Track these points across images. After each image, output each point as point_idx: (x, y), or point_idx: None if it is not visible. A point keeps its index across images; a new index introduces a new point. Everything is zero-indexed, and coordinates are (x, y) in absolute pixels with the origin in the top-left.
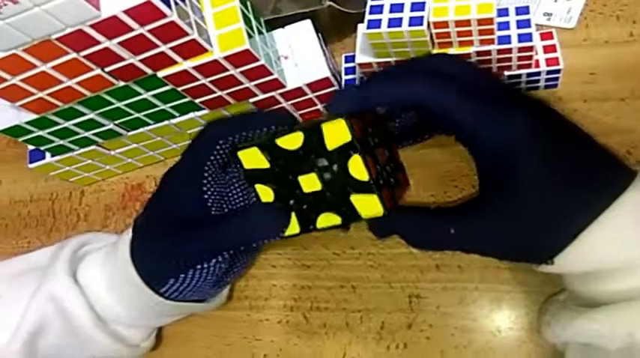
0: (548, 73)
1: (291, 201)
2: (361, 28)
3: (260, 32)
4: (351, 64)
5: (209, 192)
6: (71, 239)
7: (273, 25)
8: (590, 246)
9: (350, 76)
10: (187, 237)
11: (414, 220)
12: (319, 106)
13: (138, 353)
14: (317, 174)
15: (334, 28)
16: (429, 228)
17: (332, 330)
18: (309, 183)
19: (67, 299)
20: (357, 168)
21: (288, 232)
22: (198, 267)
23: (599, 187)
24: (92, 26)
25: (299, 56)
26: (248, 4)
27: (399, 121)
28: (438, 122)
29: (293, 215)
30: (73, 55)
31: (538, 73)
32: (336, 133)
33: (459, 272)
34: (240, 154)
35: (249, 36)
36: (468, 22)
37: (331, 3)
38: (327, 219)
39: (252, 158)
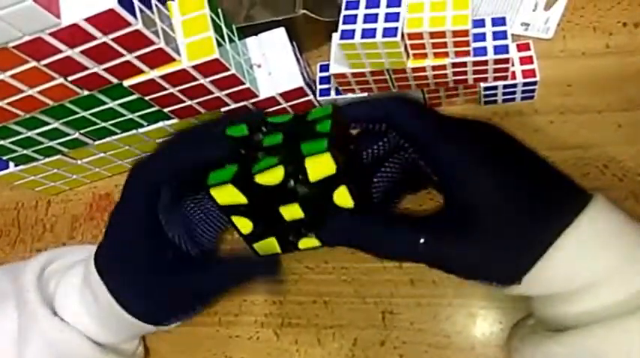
0: (525, 84)
1: (273, 230)
2: (335, 37)
3: (232, 40)
4: (326, 73)
5: (173, 234)
6: (29, 265)
7: (246, 32)
8: (550, 270)
9: (325, 86)
10: (180, 283)
11: (384, 226)
12: None
13: (140, 356)
14: (299, 203)
15: (309, 36)
16: (399, 234)
17: (303, 347)
18: (291, 212)
19: (68, 339)
20: (343, 197)
21: (268, 253)
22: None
23: (555, 212)
24: (52, 34)
25: (273, 65)
26: (219, 11)
27: (380, 174)
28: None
29: (273, 239)
30: (33, 63)
31: (514, 85)
32: (320, 166)
33: (433, 287)
34: (213, 192)
35: (220, 44)
36: (443, 34)
37: (305, 11)
38: (309, 242)
39: (227, 194)
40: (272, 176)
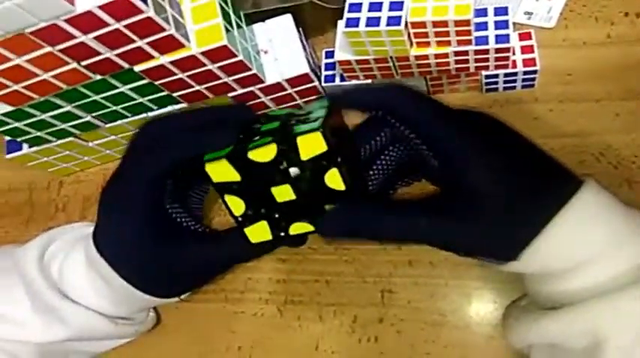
0: (525, 73)
1: (263, 210)
2: (340, 25)
3: (239, 26)
4: (331, 60)
5: (174, 213)
6: (29, 252)
7: (254, 18)
8: (546, 247)
9: (330, 72)
10: (189, 259)
11: (384, 210)
12: (299, 101)
13: (148, 326)
14: (291, 184)
15: (316, 22)
16: (400, 216)
17: (305, 323)
18: (283, 193)
19: (83, 319)
20: (334, 178)
21: (260, 239)
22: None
23: (552, 193)
24: (67, 21)
25: (279, 51)
26: None
27: (376, 167)
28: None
29: (264, 223)
30: (48, 48)
31: (515, 74)
32: (311, 144)
33: (430, 268)
34: (209, 168)
35: (228, 30)
36: (445, 23)
37: None
38: (301, 227)
39: (222, 171)
40: (264, 152)
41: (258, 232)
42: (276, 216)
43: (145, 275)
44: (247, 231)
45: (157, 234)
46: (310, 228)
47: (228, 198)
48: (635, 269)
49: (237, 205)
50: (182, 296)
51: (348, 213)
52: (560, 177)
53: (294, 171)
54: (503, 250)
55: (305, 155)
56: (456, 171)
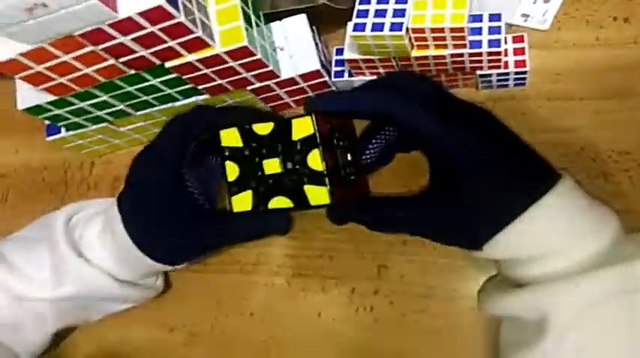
0: (516, 73)
1: (252, 183)
2: (349, 28)
3: (258, 25)
4: (340, 57)
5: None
6: (58, 214)
7: (271, 18)
8: (516, 237)
9: (339, 68)
10: (201, 233)
11: (373, 208)
12: (310, 94)
13: (158, 290)
14: (280, 159)
15: (328, 21)
16: (385, 213)
17: (310, 293)
18: (272, 166)
19: (90, 277)
20: (315, 159)
21: (240, 208)
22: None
23: (526, 188)
24: (110, 25)
25: (294, 48)
26: (248, 0)
27: (373, 146)
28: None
29: (250, 192)
30: (92, 47)
31: (507, 74)
32: (302, 126)
33: (422, 247)
34: (222, 132)
35: (248, 30)
36: (442, 30)
37: (325, 1)
38: (280, 202)
39: (230, 137)
40: (265, 127)
41: (242, 202)
42: (261, 189)
43: (152, 238)
44: (234, 199)
45: (173, 201)
46: (289, 204)
47: (227, 163)
48: (585, 259)
49: (232, 171)
50: (178, 267)
51: (352, 207)
52: (539, 171)
53: (285, 148)
54: (474, 237)
55: (295, 135)
56: (445, 156)
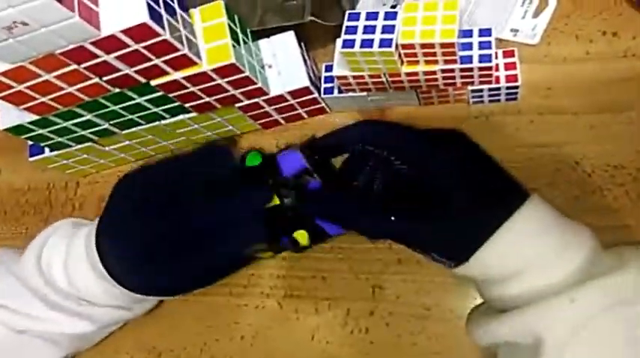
0: (508, 88)
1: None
2: (338, 45)
3: (245, 42)
4: (330, 74)
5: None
6: (27, 263)
7: (259, 34)
8: (488, 255)
9: (329, 84)
10: (186, 260)
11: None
12: (300, 111)
13: (145, 309)
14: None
15: (317, 37)
16: (375, 215)
17: (303, 315)
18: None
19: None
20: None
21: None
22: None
23: (500, 207)
24: (92, 43)
25: (282, 65)
26: (235, 17)
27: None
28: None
29: None
30: (74, 66)
31: (498, 88)
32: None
33: (418, 266)
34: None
35: (235, 48)
36: (432, 45)
37: (313, 17)
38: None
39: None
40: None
41: None
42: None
43: (149, 285)
44: None
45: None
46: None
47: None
48: (568, 276)
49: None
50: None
51: (330, 198)
52: (510, 191)
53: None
54: (456, 252)
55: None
56: (429, 180)
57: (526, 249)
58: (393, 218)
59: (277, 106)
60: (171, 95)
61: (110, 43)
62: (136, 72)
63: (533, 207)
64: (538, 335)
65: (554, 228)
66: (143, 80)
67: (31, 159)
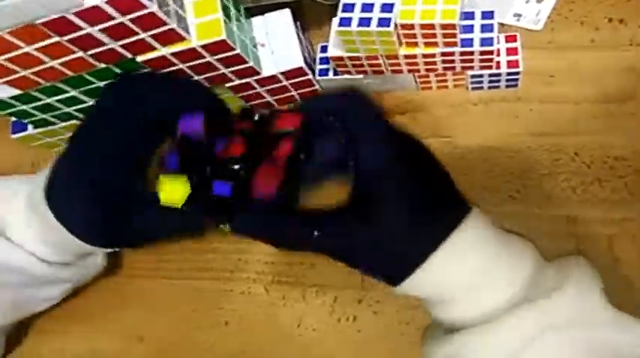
0: (509, 74)
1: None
2: (334, 24)
3: (238, 20)
4: (325, 55)
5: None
6: None
7: (253, 12)
8: (423, 279)
9: (324, 66)
10: (118, 221)
11: (278, 219)
12: (293, 93)
13: (98, 270)
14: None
15: (313, 17)
16: (292, 228)
17: (290, 302)
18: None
19: (16, 258)
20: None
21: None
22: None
23: (436, 227)
24: (75, 14)
25: (275, 44)
26: None
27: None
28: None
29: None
30: (57, 38)
31: (499, 74)
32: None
33: None
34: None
35: (227, 24)
36: (432, 26)
37: None
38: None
39: None
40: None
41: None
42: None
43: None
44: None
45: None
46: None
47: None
48: (505, 300)
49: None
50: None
51: (257, 217)
52: (449, 207)
53: None
54: (385, 272)
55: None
56: (365, 182)
57: (462, 275)
58: (316, 233)
59: (269, 87)
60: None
61: (94, 14)
62: (121, 46)
63: (472, 226)
64: None
65: (493, 251)
66: (129, 55)
67: (14, 136)
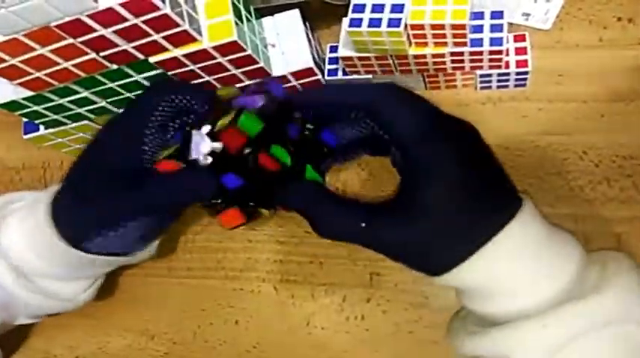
0: (517, 74)
1: None
2: (344, 24)
3: (249, 20)
4: (334, 55)
5: (148, 152)
6: None
7: (263, 12)
8: (475, 267)
9: (333, 66)
10: (119, 194)
11: (327, 204)
12: None
13: (77, 305)
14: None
15: (322, 17)
16: (340, 216)
17: (299, 301)
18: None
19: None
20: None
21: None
22: (127, 223)
23: (488, 221)
24: (89, 16)
25: (285, 45)
26: None
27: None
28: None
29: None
30: (70, 40)
31: (508, 74)
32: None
33: None
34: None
35: (237, 24)
36: (442, 26)
37: None
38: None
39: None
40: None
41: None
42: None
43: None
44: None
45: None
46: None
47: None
48: (548, 299)
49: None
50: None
51: (308, 193)
52: (502, 201)
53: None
54: (426, 266)
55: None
56: (413, 176)
57: (510, 270)
58: (363, 224)
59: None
60: (170, 73)
61: (108, 17)
62: (134, 48)
63: (525, 220)
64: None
65: (542, 248)
66: (142, 57)
67: (26, 136)
